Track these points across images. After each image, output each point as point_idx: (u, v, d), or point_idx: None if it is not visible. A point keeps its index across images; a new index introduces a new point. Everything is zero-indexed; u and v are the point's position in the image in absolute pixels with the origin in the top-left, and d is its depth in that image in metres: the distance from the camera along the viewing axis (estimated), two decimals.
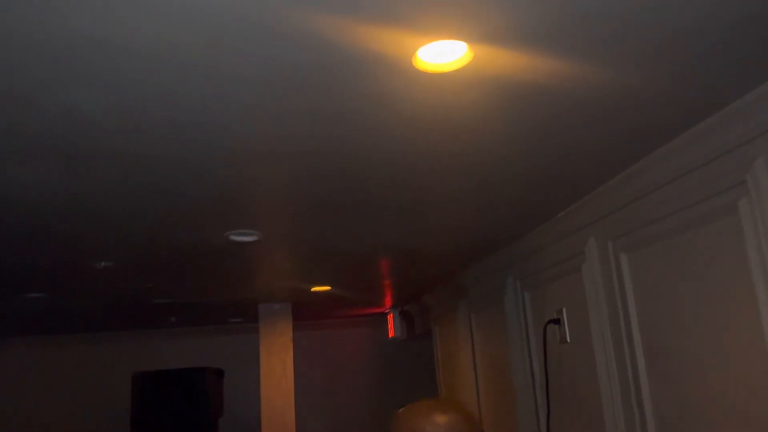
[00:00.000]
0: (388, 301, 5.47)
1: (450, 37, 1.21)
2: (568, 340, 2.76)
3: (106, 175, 1.86)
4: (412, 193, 2.24)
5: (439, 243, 3.12)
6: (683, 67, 1.42)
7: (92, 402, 5.56)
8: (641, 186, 2.16)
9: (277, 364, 4.71)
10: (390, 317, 5.91)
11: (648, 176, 2.11)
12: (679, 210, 2.01)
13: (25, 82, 1.29)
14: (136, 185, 1.97)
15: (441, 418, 1.45)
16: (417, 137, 1.72)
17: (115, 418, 5.00)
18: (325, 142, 1.71)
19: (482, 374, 3.95)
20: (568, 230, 2.70)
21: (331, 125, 1.60)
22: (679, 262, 2.06)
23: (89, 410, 5.53)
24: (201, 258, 3.01)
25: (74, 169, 1.79)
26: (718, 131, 1.77)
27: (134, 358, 5.17)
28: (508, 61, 1.31)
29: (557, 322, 2.81)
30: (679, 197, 2.00)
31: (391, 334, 5.90)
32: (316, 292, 4.32)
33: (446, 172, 2.05)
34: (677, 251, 2.06)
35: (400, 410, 1.51)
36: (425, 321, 5.25)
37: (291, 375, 4.72)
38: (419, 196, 2.29)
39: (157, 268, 3.20)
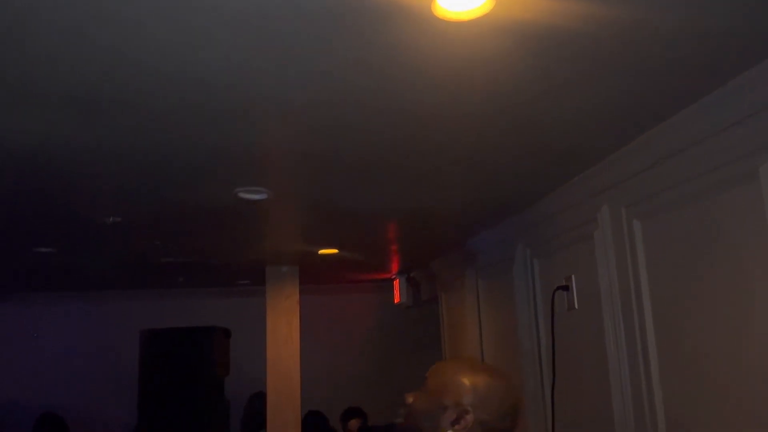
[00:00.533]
0: (395, 266, 5.47)
1: None
2: (576, 307, 2.74)
3: (115, 126, 1.83)
4: (422, 152, 2.21)
5: (448, 207, 3.09)
6: (719, 17, 1.37)
7: (101, 359, 5.63)
8: (659, 152, 2.12)
9: (283, 326, 4.73)
10: (396, 283, 5.91)
11: (666, 141, 2.07)
12: (696, 176, 1.97)
13: (37, 27, 1.26)
14: (147, 138, 1.95)
15: (479, 378, 1.42)
16: (432, 92, 1.68)
17: (123, 375, 5.06)
18: (336, 95, 1.67)
19: (488, 341, 3.96)
20: (581, 197, 2.67)
21: (344, 77, 1.56)
22: (694, 229, 2.02)
23: (98, 367, 5.60)
24: (210, 216, 3.00)
25: (85, 120, 1.77)
26: (742, 93, 1.72)
27: (142, 318, 5.19)
28: (532, 5, 1.26)
29: (566, 289, 2.80)
30: (697, 163, 1.96)
31: (397, 300, 5.91)
32: (323, 255, 4.31)
33: (459, 131, 2.01)
34: (693, 218, 2.03)
35: (434, 366, 1.50)
36: (432, 287, 5.25)
37: (297, 337, 4.74)
38: (430, 156, 2.26)
39: (166, 225, 3.19)
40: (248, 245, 3.90)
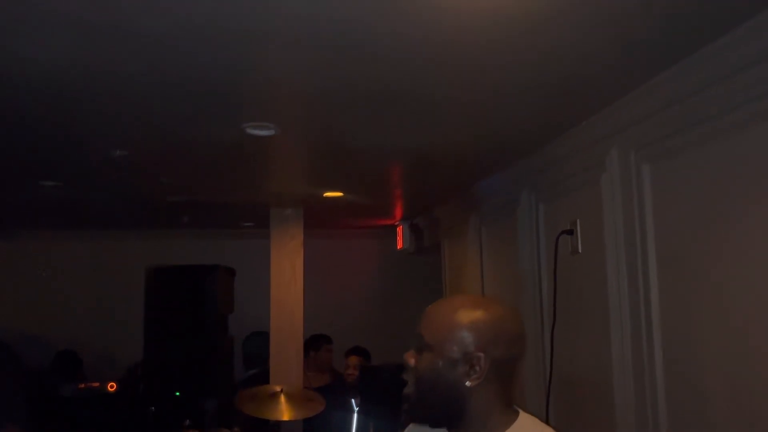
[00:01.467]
0: (398, 212, 5.49)
1: None
2: (580, 251, 2.76)
3: (124, 55, 1.82)
4: (429, 89, 2.19)
5: (455, 148, 3.08)
6: None
7: (107, 296, 5.72)
8: (671, 94, 2.10)
9: (287, 267, 4.77)
10: (399, 229, 5.94)
11: (679, 83, 2.04)
12: (709, 118, 1.96)
13: None
14: (155, 68, 1.93)
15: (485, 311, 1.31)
16: (441, 25, 1.66)
17: (129, 311, 5.14)
18: (343, 25, 1.65)
19: (489, 286, 4.00)
20: (590, 141, 2.65)
21: (350, 6, 1.53)
22: (704, 172, 2.02)
23: (104, 303, 5.69)
24: (217, 153, 3.00)
25: (94, 48, 1.75)
26: (758, 34, 1.69)
27: (147, 257, 5.23)
28: None
29: (570, 233, 2.81)
30: (710, 105, 1.94)
31: (399, 246, 5.95)
32: (328, 198, 4.32)
33: (467, 69, 1.99)
34: (703, 162, 2.02)
35: (425, 315, 1.35)
36: (434, 234, 5.28)
37: (300, 279, 4.79)
38: (437, 94, 2.24)
39: (173, 161, 3.19)
40: (253, 185, 3.90)
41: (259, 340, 4.88)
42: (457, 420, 1.31)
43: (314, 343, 5.02)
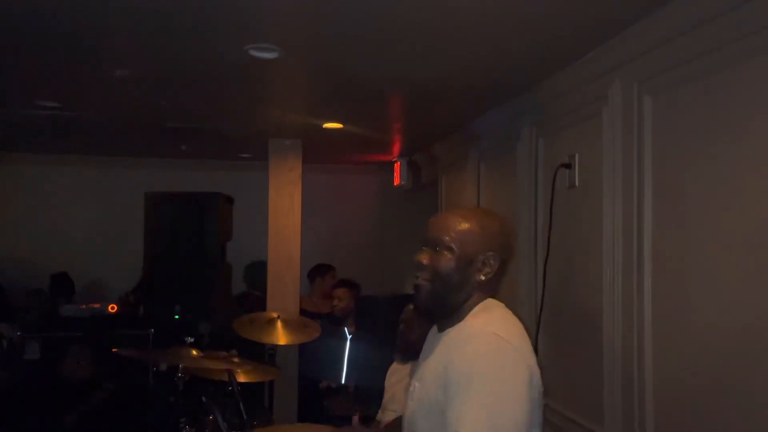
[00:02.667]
0: (397, 148, 5.49)
1: None
2: (577, 185, 2.80)
3: None
4: (433, 17, 2.17)
5: (455, 81, 3.07)
6: None
7: (105, 221, 5.76)
8: (677, 24, 2.09)
9: (285, 198, 4.80)
10: (397, 165, 5.95)
11: (686, 13, 2.03)
12: (712, 50, 1.96)
13: None
14: None
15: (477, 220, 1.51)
16: None
17: (128, 236, 5.20)
18: None
19: None
20: (593, 74, 2.65)
21: None
22: (704, 105, 2.04)
23: (103, 228, 5.74)
24: (219, 75, 2.98)
25: None
26: None
27: (146, 185, 5.26)
28: None
29: (569, 166, 2.84)
30: (716, 36, 1.94)
31: (397, 182, 5.97)
32: (327, 130, 4.32)
33: None
34: (704, 94, 2.03)
35: (433, 223, 1.56)
36: (432, 171, 5.31)
37: (299, 210, 4.83)
38: (440, 22, 2.22)
39: (174, 82, 3.17)
40: (254, 111, 3.89)
41: (260, 267, 4.97)
42: (457, 308, 1.52)
43: (320, 271, 5.29)
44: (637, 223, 2.37)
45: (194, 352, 2.83)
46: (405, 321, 2.87)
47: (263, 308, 4.45)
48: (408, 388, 1.63)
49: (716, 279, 1.98)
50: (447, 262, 1.48)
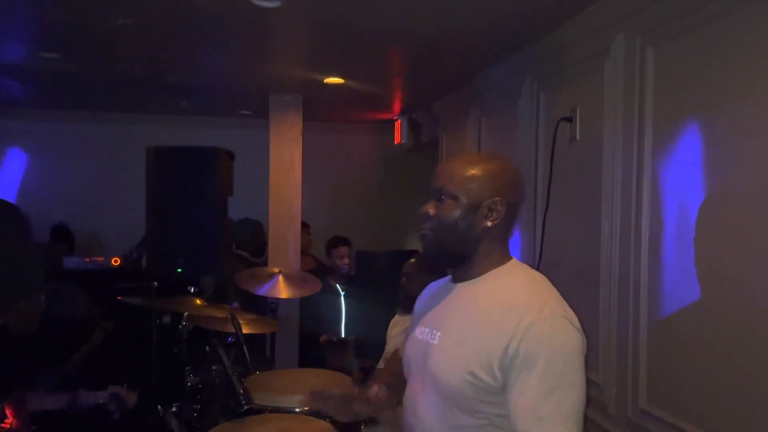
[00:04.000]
0: (397, 106, 5.47)
1: None
2: (578, 138, 2.81)
3: None
4: None
5: (457, 35, 3.05)
6: None
7: (107, 176, 5.76)
8: None
9: (285, 154, 4.81)
10: (397, 124, 5.93)
11: None
12: None
13: None
14: None
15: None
16: None
17: (129, 191, 5.21)
18: None
19: None
20: (595, 26, 2.64)
21: None
22: (706, 56, 2.04)
23: (104, 183, 5.75)
24: (220, 24, 2.96)
25: None
26: None
27: (147, 140, 5.24)
28: None
29: (569, 120, 2.85)
30: None
31: (397, 141, 5.96)
32: (328, 85, 4.30)
33: None
34: (707, 45, 2.03)
35: (437, 172, 1.49)
36: (433, 129, 5.30)
37: (299, 167, 4.84)
38: None
39: (175, 34, 3.15)
40: (255, 65, 3.87)
41: (248, 226, 4.94)
42: (467, 259, 1.47)
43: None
44: (637, 176, 2.40)
45: (198, 302, 2.88)
46: (406, 274, 2.92)
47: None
48: (412, 333, 1.61)
49: (716, 230, 2.01)
50: (451, 210, 1.44)
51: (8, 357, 2.50)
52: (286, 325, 4.44)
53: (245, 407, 2.13)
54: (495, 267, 1.47)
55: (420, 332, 1.55)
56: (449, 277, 1.58)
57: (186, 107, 5.33)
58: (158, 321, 4.08)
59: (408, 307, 2.88)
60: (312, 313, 4.34)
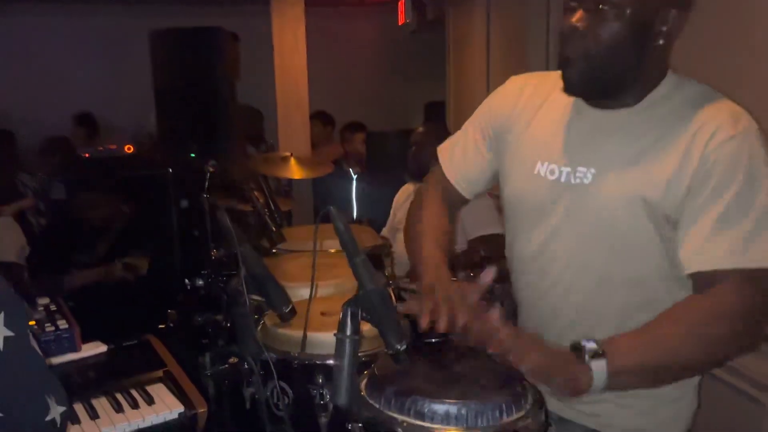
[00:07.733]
0: None
1: None
2: None
3: None
4: None
5: None
6: None
7: (112, 63, 5.71)
8: None
9: (289, 36, 4.72)
10: (401, 3, 5.76)
11: None
12: None
13: None
14: None
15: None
16: None
17: (135, 78, 5.15)
18: None
19: (494, 55, 4.01)
20: None
21: None
22: None
23: (110, 71, 5.70)
24: None
25: None
26: None
27: (148, 27, 5.14)
28: None
29: None
30: None
31: (401, 21, 5.82)
32: None
33: None
34: None
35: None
36: (438, 7, 5.15)
37: (303, 47, 4.76)
38: None
39: None
40: None
41: (246, 111, 4.92)
42: (626, 87, 1.17)
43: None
44: None
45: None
46: (416, 143, 2.93)
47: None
48: (522, 170, 1.31)
49: None
50: (612, 26, 1.09)
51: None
52: (300, 204, 4.55)
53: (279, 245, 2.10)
54: (656, 86, 1.18)
55: (549, 170, 1.25)
56: (571, 101, 1.25)
57: None
58: (175, 206, 4.17)
59: (418, 175, 2.92)
60: (324, 197, 4.44)
